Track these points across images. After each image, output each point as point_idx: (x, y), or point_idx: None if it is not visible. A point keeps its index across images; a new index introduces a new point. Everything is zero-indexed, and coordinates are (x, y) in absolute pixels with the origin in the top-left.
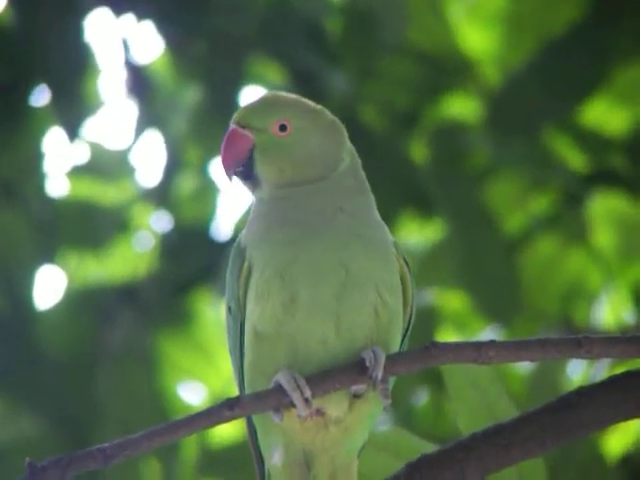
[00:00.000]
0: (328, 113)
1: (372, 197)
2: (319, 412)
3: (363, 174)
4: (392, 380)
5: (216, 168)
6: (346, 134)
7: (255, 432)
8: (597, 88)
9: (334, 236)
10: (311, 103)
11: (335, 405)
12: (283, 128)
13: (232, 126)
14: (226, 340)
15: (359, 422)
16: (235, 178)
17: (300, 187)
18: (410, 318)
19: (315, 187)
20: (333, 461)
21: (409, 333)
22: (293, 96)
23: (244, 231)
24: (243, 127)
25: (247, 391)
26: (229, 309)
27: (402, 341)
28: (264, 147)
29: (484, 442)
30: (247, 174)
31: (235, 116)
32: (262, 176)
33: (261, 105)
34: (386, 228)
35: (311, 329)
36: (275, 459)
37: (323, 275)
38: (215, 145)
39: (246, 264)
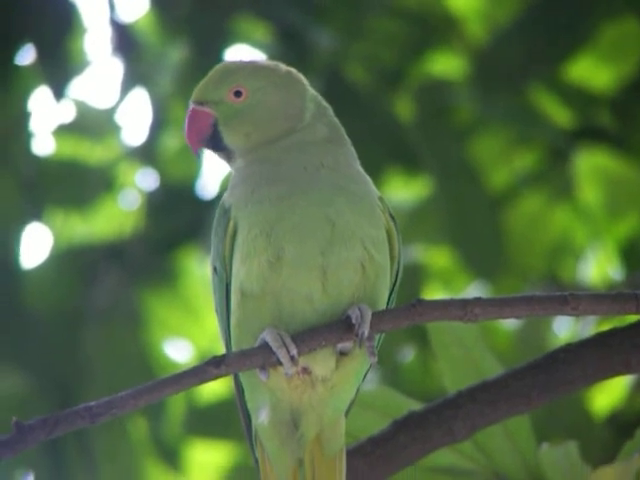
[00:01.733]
0: (282, 66)
1: (352, 149)
2: (305, 371)
3: (336, 121)
4: (379, 338)
5: None
6: (306, 82)
7: (242, 391)
8: (582, 45)
9: (319, 192)
10: (263, 61)
11: (321, 363)
12: (238, 94)
13: (191, 105)
14: (212, 300)
15: (346, 380)
16: (206, 152)
17: (273, 145)
18: (397, 273)
19: (288, 142)
20: (320, 419)
21: (396, 288)
22: (243, 60)
23: (227, 193)
24: (201, 104)
25: (234, 349)
26: (214, 269)
27: (389, 297)
28: (225, 117)
29: (470, 399)
30: (218, 146)
31: (192, 95)
32: (231, 145)
33: (213, 78)
34: (370, 182)
35: (297, 286)
36: (262, 417)
37: (309, 231)
38: None
39: (231, 224)
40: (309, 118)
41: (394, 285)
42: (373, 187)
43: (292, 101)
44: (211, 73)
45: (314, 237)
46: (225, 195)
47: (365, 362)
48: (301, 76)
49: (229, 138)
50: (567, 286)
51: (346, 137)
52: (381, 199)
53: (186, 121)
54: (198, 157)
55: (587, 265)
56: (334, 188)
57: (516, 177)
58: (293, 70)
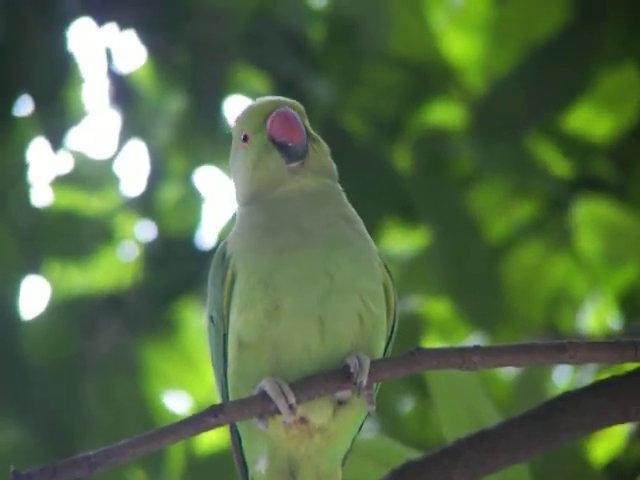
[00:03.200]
0: None
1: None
2: (303, 420)
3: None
4: (376, 386)
5: (201, 176)
6: None
7: (239, 440)
8: (581, 94)
9: (321, 245)
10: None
11: (319, 413)
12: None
13: (285, 109)
14: (208, 350)
15: (343, 430)
16: (290, 153)
17: (282, 189)
18: (393, 326)
19: (296, 187)
20: (317, 469)
21: (392, 342)
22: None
23: (230, 237)
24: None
25: (231, 399)
26: (211, 318)
27: (385, 350)
28: (311, 135)
29: (469, 448)
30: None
31: (272, 103)
32: (314, 161)
33: (298, 106)
34: (369, 236)
35: (295, 336)
36: (259, 467)
37: (307, 282)
38: (199, 154)
39: (229, 273)
40: (337, 176)
41: (390, 338)
42: (372, 241)
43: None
44: (291, 101)
45: (312, 289)
46: (227, 239)
47: (362, 411)
48: None
49: (313, 157)
50: (566, 336)
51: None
52: (379, 253)
53: (286, 119)
54: (301, 154)
55: (586, 314)
56: (337, 241)
57: (515, 227)
58: None
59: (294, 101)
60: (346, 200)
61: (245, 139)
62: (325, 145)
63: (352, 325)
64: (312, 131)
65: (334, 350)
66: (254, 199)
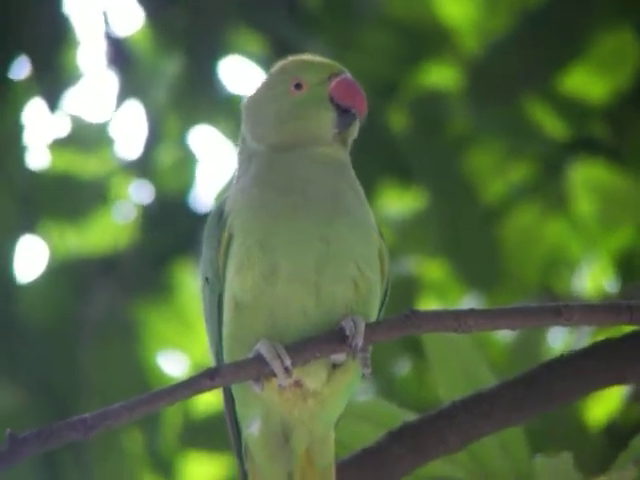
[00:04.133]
0: None
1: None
2: (297, 384)
3: None
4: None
5: (196, 137)
6: None
7: (232, 402)
8: (576, 56)
9: (320, 212)
10: None
11: (313, 377)
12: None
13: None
14: (202, 311)
15: (337, 394)
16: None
17: (298, 151)
18: (386, 291)
19: (314, 153)
20: (310, 433)
21: (384, 307)
22: None
23: (230, 194)
24: None
25: (226, 361)
26: (206, 279)
27: (378, 315)
28: None
29: (464, 410)
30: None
31: (340, 68)
32: (351, 135)
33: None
34: (367, 204)
35: (291, 299)
36: (253, 430)
37: (304, 246)
38: (195, 116)
39: (226, 234)
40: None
41: (382, 303)
42: (369, 208)
43: None
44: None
45: (309, 253)
46: (224, 199)
47: (356, 376)
48: None
49: (353, 131)
50: (562, 298)
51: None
52: (374, 220)
53: (353, 86)
54: (356, 119)
55: (582, 277)
56: (337, 209)
57: (510, 189)
58: None
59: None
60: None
61: (298, 87)
62: None
63: (347, 290)
64: None
65: (330, 313)
66: (278, 146)
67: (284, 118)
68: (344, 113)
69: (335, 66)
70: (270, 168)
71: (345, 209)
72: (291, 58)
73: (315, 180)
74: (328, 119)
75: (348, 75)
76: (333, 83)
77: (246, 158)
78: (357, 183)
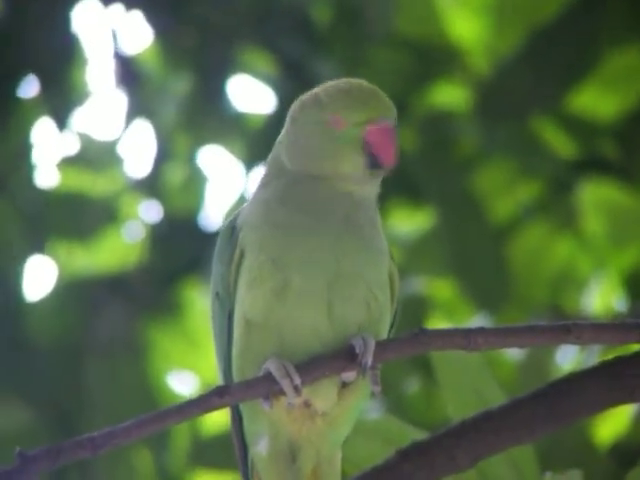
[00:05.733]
0: None
1: None
2: (306, 404)
3: None
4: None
5: (205, 156)
6: None
7: (240, 420)
8: (586, 75)
9: (335, 234)
10: None
11: (322, 397)
12: None
13: (391, 122)
14: (211, 328)
15: (345, 414)
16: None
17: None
18: (395, 314)
19: (366, 202)
20: (318, 453)
21: (394, 329)
22: None
23: (242, 212)
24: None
25: (235, 379)
26: (217, 295)
27: (387, 336)
28: None
29: (474, 429)
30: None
31: (387, 109)
32: (380, 177)
33: (394, 111)
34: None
35: (302, 317)
36: (260, 448)
37: (316, 265)
38: (204, 135)
39: (238, 250)
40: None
41: (392, 325)
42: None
43: None
44: (387, 97)
45: (321, 272)
46: (236, 214)
47: (366, 395)
48: None
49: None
50: (570, 317)
51: None
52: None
53: (389, 135)
54: (385, 173)
55: (590, 296)
56: (351, 234)
57: (519, 208)
58: None
59: (392, 105)
60: (375, 208)
61: (337, 123)
62: None
63: (359, 310)
64: None
65: (341, 333)
66: (306, 171)
67: (318, 151)
68: (374, 161)
69: (377, 109)
70: (291, 188)
71: (359, 233)
72: (339, 87)
73: (333, 204)
74: (358, 163)
75: (385, 123)
76: (369, 129)
77: (272, 173)
78: (375, 212)
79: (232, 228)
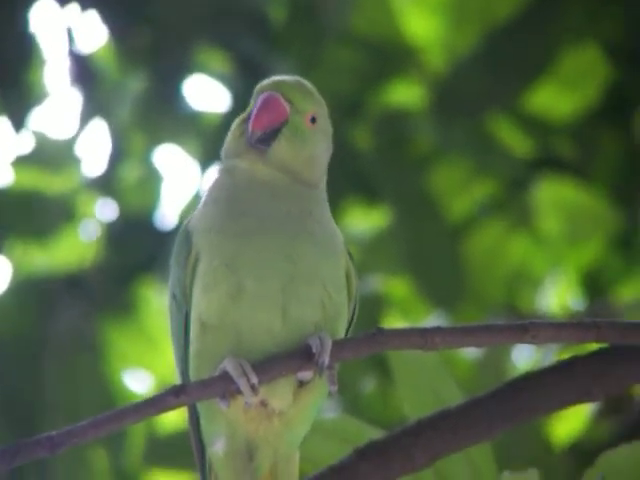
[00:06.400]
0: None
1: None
2: (263, 403)
3: None
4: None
5: (161, 155)
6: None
7: (197, 420)
8: (542, 73)
9: (284, 232)
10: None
11: (279, 397)
12: (313, 120)
13: (274, 93)
14: (169, 328)
15: (302, 414)
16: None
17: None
18: (353, 312)
19: (297, 192)
20: (275, 452)
21: (352, 327)
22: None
23: (195, 214)
24: (286, 100)
25: (193, 380)
26: (174, 296)
27: (346, 334)
28: (294, 128)
29: (431, 427)
30: (265, 143)
31: (273, 84)
32: (277, 153)
33: (303, 88)
34: (335, 226)
35: (257, 319)
36: (217, 448)
37: (269, 267)
38: (159, 134)
39: (193, 252)
40: (323, 185)
41: (350, 324)
42: (338, 230)
43: (325, 161)
44: (300, 82)
45: (275, 274)
46: (191, 216)
47: (323, 394)
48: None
49: (283, 147)
50: (526, 315)
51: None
52: (343, 242)
53: (263, 102)
54: (249, 143)
55: (547, 294)
56: (305, 234)
57: (475, 207)
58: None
59: (295, 84)
60: (318, 200)
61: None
62: (317, 145)
63: (314, 311)
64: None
65: (296, 333)
66: (230, 164)
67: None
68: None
69: (271, 85)
70: (230, 184)
71: (303, 229)
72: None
73: (260, 204)
74: (239, 137)
75: (267, 94)
76: (255, 103)
77: (219, 170)
78: (324, 205)
79: (186, 232)
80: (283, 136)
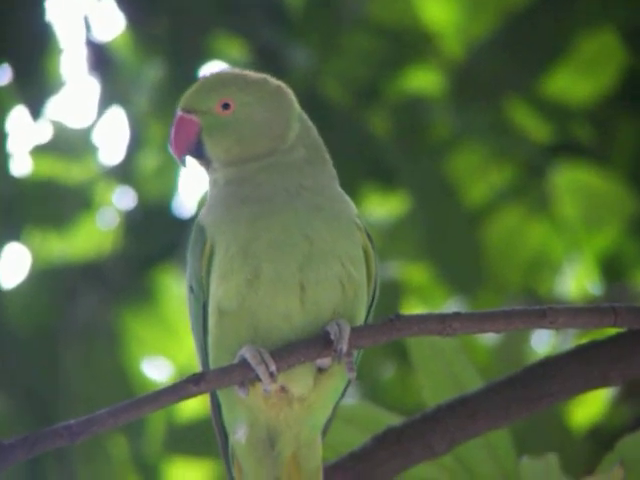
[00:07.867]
0: (272, 82)
1: (332, 168)
2: (283, 389)
3: (319, 140)
4: (358, 354)
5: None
6: (294, 98)
7: (219, 408)
8: (560, 59)
9: (295, 211)
10: (253, 75)
11: (299, 382)
12: (226, 106)
13: (178, 112)
14: (189, 319)
15: (323, 399)
16: (189, 160)
17: (253, 164)
18: (374, 292)
19: (268, 164)
20: (297, 438)
21: (374, 307)
22: (234, 72)
23: (203, 211)
24: (189, 112)
25: (212, 368)
26: (191, 288)
27: (367, 316)
28: (210, 128)
29: (449, 413)
30: (199, 155)
31: (180, 102)
32: (212, 156)
33: (203, 87)
34: (349, 200)
35: (275, 303)
36: (239, 435)
37: (285, 248)
38: None
39: (208, 244)
40: (293, 138)
41: (371, 304)
42: (351, 205)
43: (278, 120)
44: (201, 81)
45: (291, 254)
46: (201, 214)
47: (342, 380)
48: (290, 93)
49: (211, 149)
50: (545, 300)
51: (327, 157)
52: (358, 217)
53: (173, 127)
54: (182, 165)
55: (565, 279)
56: (311, 208)
57: (493, 192)
58: (282, 86)
59: (192, 94)
60: (329, 170)
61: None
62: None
63: (333, 291)
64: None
65: (315, 317)
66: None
67: None
68: None
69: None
70: (218, 191)
71: (319, 206)
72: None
73: (276, 185)
74: None
75: (177, 115)
76: None
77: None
78: (327, 179)
79: (200, 226)
80: (205, 141)
